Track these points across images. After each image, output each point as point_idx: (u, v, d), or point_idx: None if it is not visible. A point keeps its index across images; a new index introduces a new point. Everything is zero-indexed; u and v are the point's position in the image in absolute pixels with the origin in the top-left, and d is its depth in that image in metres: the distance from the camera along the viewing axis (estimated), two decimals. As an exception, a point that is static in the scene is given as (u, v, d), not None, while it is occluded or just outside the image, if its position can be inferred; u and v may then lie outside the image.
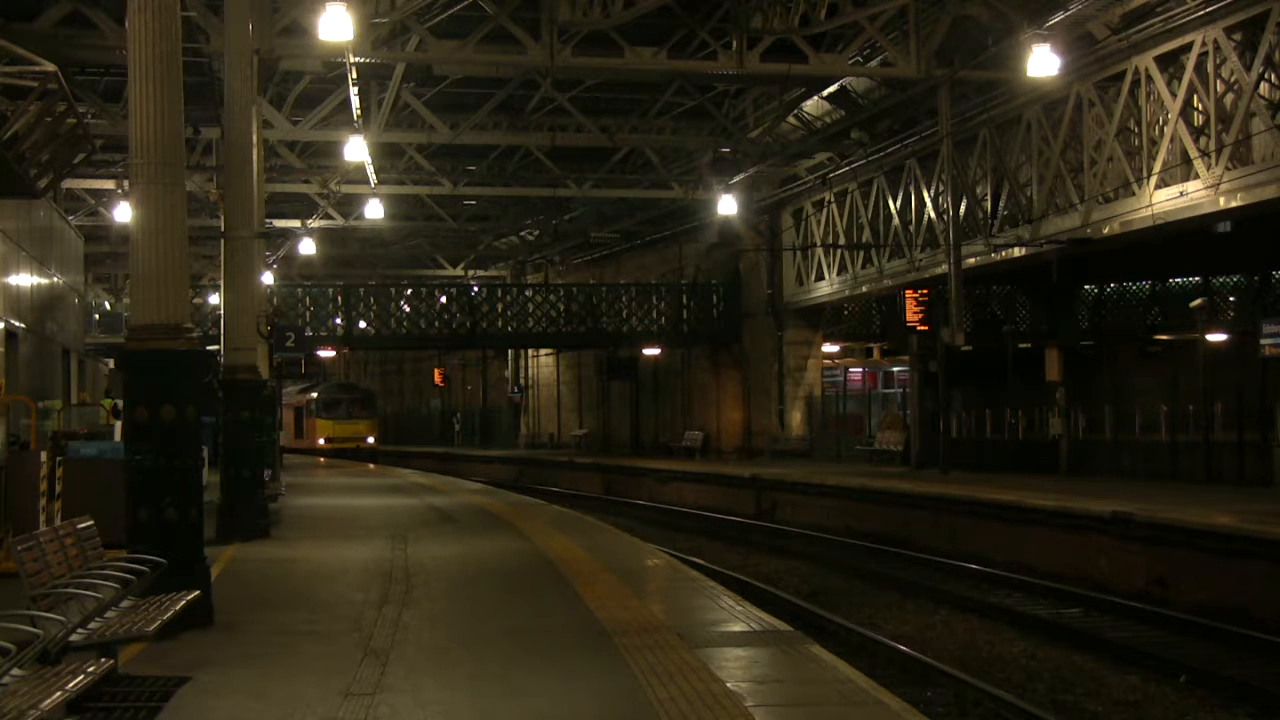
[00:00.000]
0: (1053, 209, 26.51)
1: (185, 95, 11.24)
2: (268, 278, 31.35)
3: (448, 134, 31.99)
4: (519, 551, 16.86)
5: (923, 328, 30.59)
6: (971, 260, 28.72)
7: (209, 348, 25.76)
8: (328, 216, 41.69)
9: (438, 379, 69.45)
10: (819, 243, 37.29)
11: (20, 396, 19.11)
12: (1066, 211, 25.97)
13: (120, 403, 19.24)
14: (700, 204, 39.12)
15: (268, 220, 29.82)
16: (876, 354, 45.42)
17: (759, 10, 25.06)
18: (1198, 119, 22.91)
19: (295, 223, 42.96)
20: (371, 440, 61.68)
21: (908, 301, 30.82)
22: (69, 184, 32.26)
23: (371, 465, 48.24)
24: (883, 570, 21.16)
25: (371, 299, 44.80)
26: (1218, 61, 21.92)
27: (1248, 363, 26.80)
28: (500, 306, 45.58)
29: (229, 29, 19.25)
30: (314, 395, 63.89)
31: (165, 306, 10.80)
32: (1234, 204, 21.68)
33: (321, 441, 61.01)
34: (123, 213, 31.69)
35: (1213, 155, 21.91)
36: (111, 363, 35.90)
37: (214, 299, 37.20)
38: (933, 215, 30.90)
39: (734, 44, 24.86)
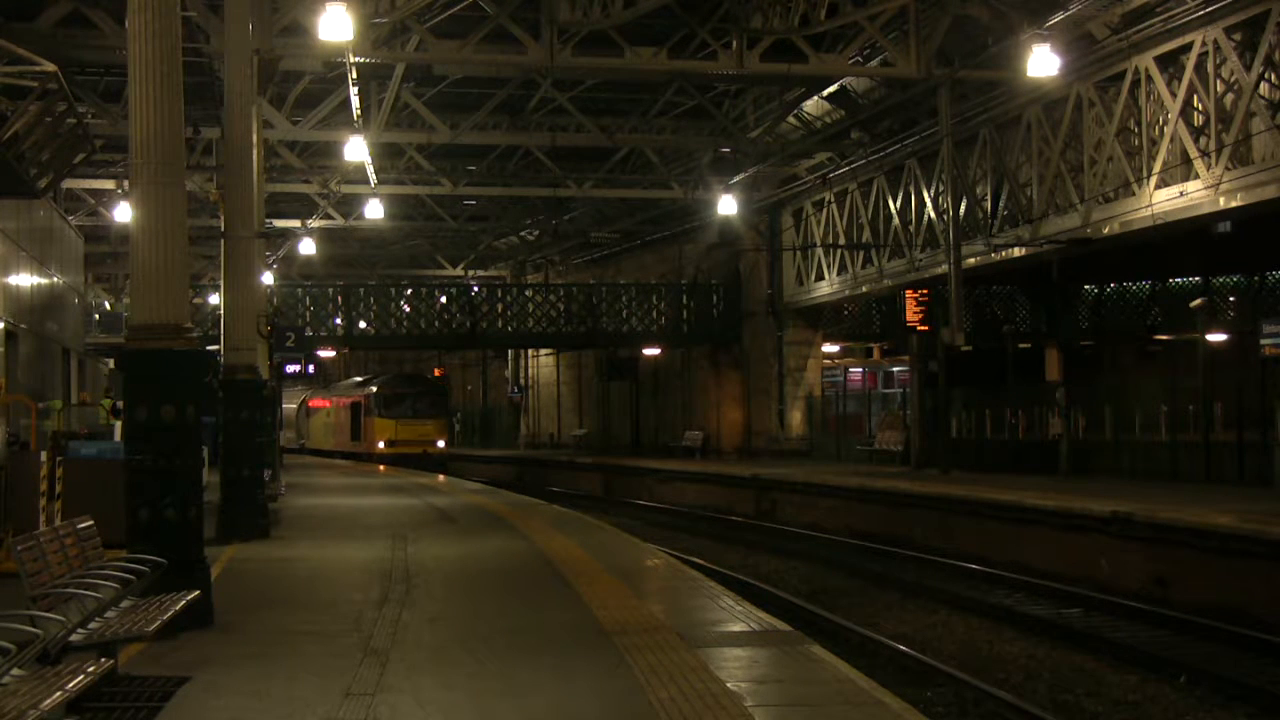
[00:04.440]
0: (1053, 209, 26.51)
1: (185, 95, 11.23)
2: (268, 278, 31.38)
3: (448, 134, 31.99)
4: (519, 551, 16.85)
5: (923, 328, 30.59)
6: (971, 260, 28.72)
7: (209, 348, 25.71)
8: (328, 216, 41.70)
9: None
10: (819, 243, 37.30)
11: (20, 396, 19.12)
12: (1066, 211, 25.97)
13: (120, 403, 19.24)
14: (700, 204, 39.13)
15: (268, 220, 29.81)
16: (876, 354, 45.49)
17: (759, 10, 25.06)
18: (1198, 119, 22.91)
19: (295, 223, 42.96)
20: (442, 444, 52.93)
21: (908, 301, 30.81)
22: (69, 184, 32.25)
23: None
24: (883, 570, 21.16)
25: (371, 299, 44.81)
26: (1218, 61, 21.92)
27: (1248, 363, 26.85)
28: (500, 306, 45.59)
29: (229, 29, 19.25)
30: (373, 390, 54.87)
31: (165, 306, 10.80)
32: (1234, 204, 21.68)
33: (381, 445, 52.32)
34: (123, 213, 31.70)
35: (1213, 155, 21.91)
36: (111, 363, 35.91)
37: (214, 299, 37.20)
38: (933, 215, 30.90)
39: (734, 44, 24.86)
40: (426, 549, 16.94)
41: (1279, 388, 24.13)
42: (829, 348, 42.07)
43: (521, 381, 63.18)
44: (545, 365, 60.73)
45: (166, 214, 10.86)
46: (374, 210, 37.29)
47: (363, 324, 44.21)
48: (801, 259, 38.65)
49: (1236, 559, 16.53)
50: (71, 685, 6.58)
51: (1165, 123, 23.17)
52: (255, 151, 20.06)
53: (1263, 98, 21.25)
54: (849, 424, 38.83)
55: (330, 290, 45.30)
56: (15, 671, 6.82)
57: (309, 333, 38.12)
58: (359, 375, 68.42)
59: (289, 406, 66.44)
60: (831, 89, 31.13)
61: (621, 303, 45.17)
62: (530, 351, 60.39)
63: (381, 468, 44.79)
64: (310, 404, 65.82)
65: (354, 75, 24.28)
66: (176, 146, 10.90)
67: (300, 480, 33.95)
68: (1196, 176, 22.28)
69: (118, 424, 20.75)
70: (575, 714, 7.99)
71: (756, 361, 41.61)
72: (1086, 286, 37.64)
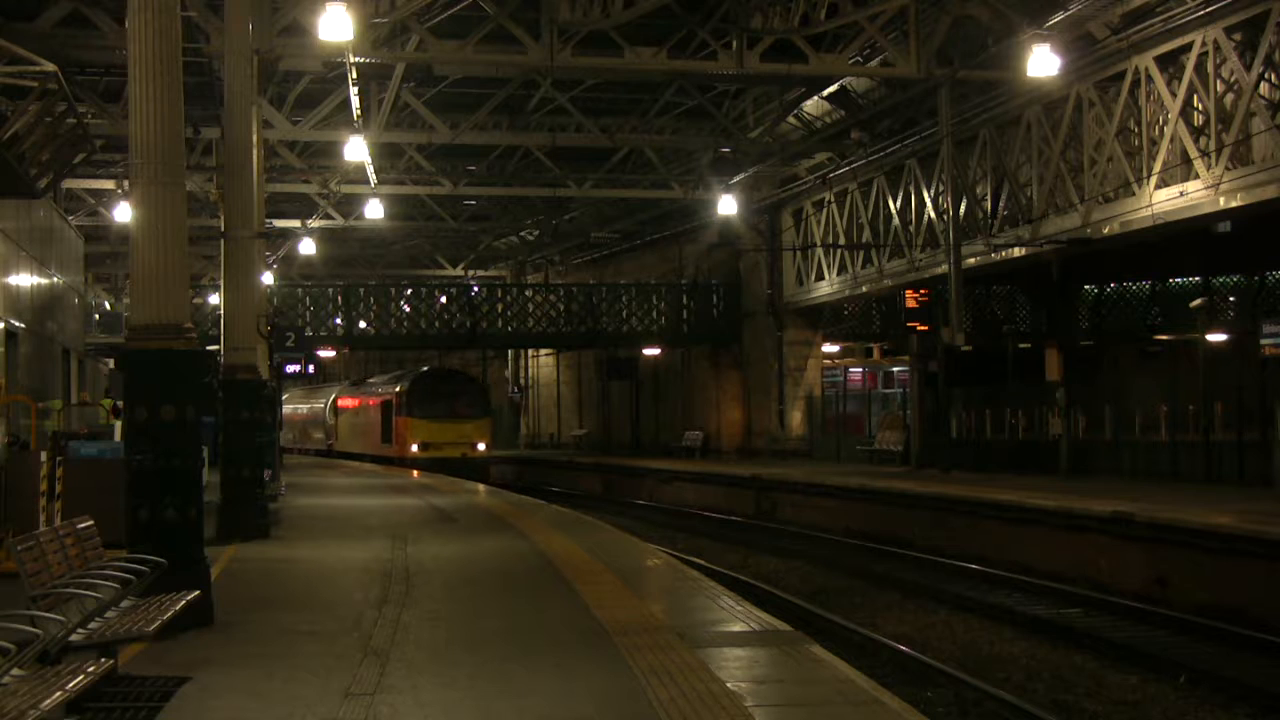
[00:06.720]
0: (1053, 209, 26.51)
1: (185, 95, 11.24)
2: (268, 278, 31.36)
3: (448, 134, 31.98)
4: (519, 551, 16.85)
5: (923, 328, 30.59)
6: (971, 260, 28.72)
7: (209, 348, 25.74)
8: (328, 216, 41.70)
9: (438, 379, 69.03)
10: (819, 243, 37.30)
11: (20, 396, 19.11)
12: (1066, 211, 25.97)
13: (120, 403, 19.24)
14: (700, 204, 39.15)
15: (268, 220, 29.83)
16: (876, 354, 45.43)
17: (759, 10, 25.05)
18: (1198, 119, 22.91)
19: (295, 223, 42.97)
20: (483, 447, 47.42)
21: (908, 301, 30.83)
22: (69, 184, 32.25)
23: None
24: (883, 570, 21.16)
25: (371, 299, 44.81)
26: (1218, 61, 21.92)
27: (1248, 363, 26.81)
28: (500, 306, 45.59)
29: (229, 29, 19.26)
30: (404, 387, 49.39)
31: (165, 306, 10.80)
32: (1234, 204, 21.68)
33: (414, 448, 47.00)
34: (123, 213, 31.69)
35: (1213, 155, 21.90)
36: (111, 363, 35.89)
37: (214, 299, 37.20)
38: (933, 215, 30.90)
39: (734, 44, 24.87)
40: (427, 549, 16.93)
41: (1279, 388, 24.13)
42: (829, 348, 42.06)
43: (521, 381, 63.15)
44: (545, 365, 60.73)
45: (166, 214, 10.86)
46: (374, 210, 37.28)
47: (363, 324, 44.21)
48: (801, 259, 38.64)
49: (1237, 559, 16.52)
50: (71, 685, 6.57)
51: (1165, 123, 23.17)
52: (255, 151, 20.06)
53: (1263, 98, 21.24)
54: (849, 424, 38.83)
55: (330, 290, 45.30)
56: (15, 671, 6.82)
57: (309, 333, 38.16)
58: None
59: (317, 405, 65.36)
60: (831, 89, 31.14)
61: (621, 303, 45.17)
62: (530, 351, 60.37)
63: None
64: (339, 403, 60.98)
65: (354, 75, 24.28)
66: (176, 146, 10.90)
67: (302, 480, 33.93)
68: (1196, 176, 22.28)
69: (118, 424, 20.74)
70: (575, 714, 7.99)
71: (756, 361, 41.61)
72: (1086, 286, 37.59)
